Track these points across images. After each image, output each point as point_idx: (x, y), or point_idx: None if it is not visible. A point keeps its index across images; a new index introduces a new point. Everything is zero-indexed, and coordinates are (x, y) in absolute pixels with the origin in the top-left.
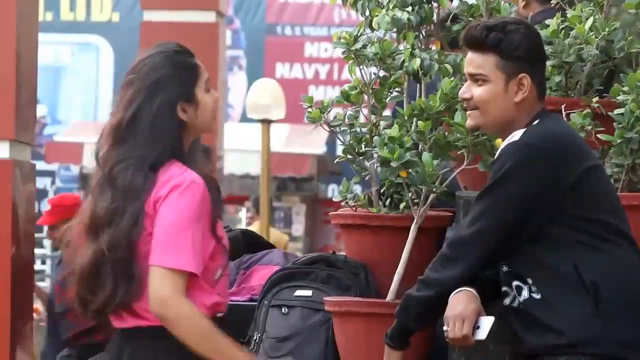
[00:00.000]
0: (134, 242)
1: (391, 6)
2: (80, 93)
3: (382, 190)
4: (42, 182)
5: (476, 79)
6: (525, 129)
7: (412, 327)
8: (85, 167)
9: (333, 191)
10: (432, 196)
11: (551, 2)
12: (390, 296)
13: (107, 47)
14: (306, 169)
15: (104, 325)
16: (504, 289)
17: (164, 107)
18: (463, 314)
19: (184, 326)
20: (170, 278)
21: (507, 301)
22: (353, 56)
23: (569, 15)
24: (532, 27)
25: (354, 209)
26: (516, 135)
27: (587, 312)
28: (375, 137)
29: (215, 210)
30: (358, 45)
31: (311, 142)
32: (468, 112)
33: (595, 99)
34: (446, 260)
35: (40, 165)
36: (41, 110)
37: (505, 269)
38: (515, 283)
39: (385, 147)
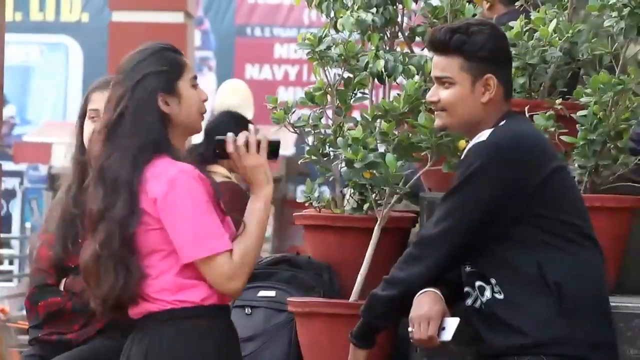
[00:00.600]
0: (128, 234)
1: (355, 7)
2: (50, 93)
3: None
4: (10, 183)
5: (442, 81)
6: (492, 129)
7: (377, 326)
8: (53, 167)
9: (302, 192)
10: (395, 197)
11: (515, 4)
12: (353, 297)
13: (77, 47)
14: (275, 170)
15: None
16: (466, 289)
17: (144, 98)
18: (428, 314)
19: (254, 263)
20: (217, 262)
21: (469, 302)
22: (317, 57)
23: (532, 17)
24: (497, 28)
25: (317, 209)
26: (483, 135)
27: (552, 312)
28: (340, 139)
29: (217, 193)
30: (322, 47)
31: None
32: (436, 113)
33: (558, 101)
34: (411, 259)
35: (9, 166)
36: (10, 110)
37: (468, 269)
38: (478, 283)
39: (349, 148)
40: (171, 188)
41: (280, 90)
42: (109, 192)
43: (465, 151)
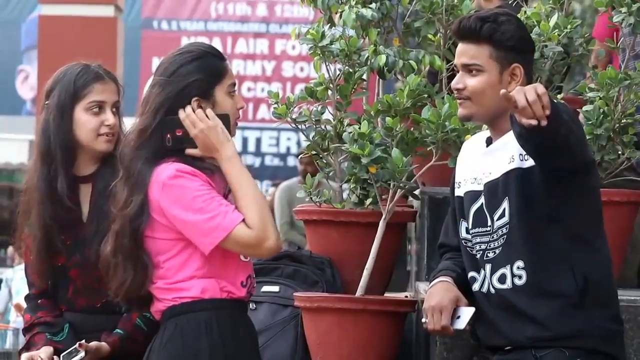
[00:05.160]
0: (138, 229)
1: (353, 3)
2: None
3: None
4: None
5: (470, 69)
6: None
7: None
8: None
9: None
10: (399, 192)
11: None
12: (360, 292)
13: None
14: None
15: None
16: (470, 274)
17: (178, 102)
18: (440, 304)
19: (270, 216)
20: (237, 235)
21: (475, 286)
22: (319, 52)
23: (528, 13)
24: (520, 19)
25: (317, 205)
26: None
27: (574, 304)
28: (345, 134)
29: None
30: (325, 42)
31: None
32: (460, 102)
33: (560, 96)
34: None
35: None
36: None
37: (491, 254)
38: (501, 270)
39: (355, 143)
40: (163, 191)
41: None
42: (129, 190)
43: None
